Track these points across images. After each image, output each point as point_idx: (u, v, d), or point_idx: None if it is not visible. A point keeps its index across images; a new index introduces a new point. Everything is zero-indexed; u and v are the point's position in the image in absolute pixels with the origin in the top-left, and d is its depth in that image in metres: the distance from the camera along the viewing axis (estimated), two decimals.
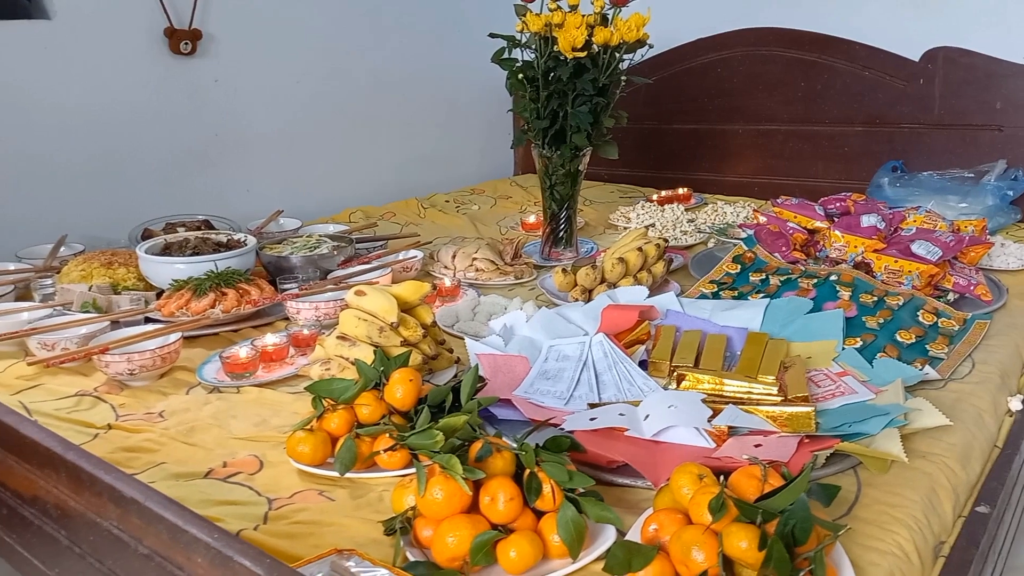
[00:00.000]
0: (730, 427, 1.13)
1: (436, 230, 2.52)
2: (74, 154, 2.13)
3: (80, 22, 2.07)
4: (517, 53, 2.02)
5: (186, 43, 2.25)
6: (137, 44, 2.20)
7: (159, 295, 1.70)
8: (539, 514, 0.90)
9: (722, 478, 0.87)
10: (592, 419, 1.14)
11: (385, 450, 1.02)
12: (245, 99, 2.48)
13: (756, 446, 1.07)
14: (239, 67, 2.44)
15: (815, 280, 1.68)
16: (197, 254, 1.75)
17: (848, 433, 1.11)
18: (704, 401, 1.16)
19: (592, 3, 1.94)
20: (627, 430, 1.12)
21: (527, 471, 0.90)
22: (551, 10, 1.91)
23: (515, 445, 0.95)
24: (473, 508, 0.89)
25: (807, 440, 1.09)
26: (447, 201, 2.87)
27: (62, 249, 1.95)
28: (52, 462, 0.98)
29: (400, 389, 1.10)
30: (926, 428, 1.15)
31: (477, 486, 0.89)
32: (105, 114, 2.17)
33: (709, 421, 1.12)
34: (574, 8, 1.92)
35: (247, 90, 2.48)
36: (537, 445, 0.96)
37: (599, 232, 2.50)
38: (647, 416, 1.14)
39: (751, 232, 1.94)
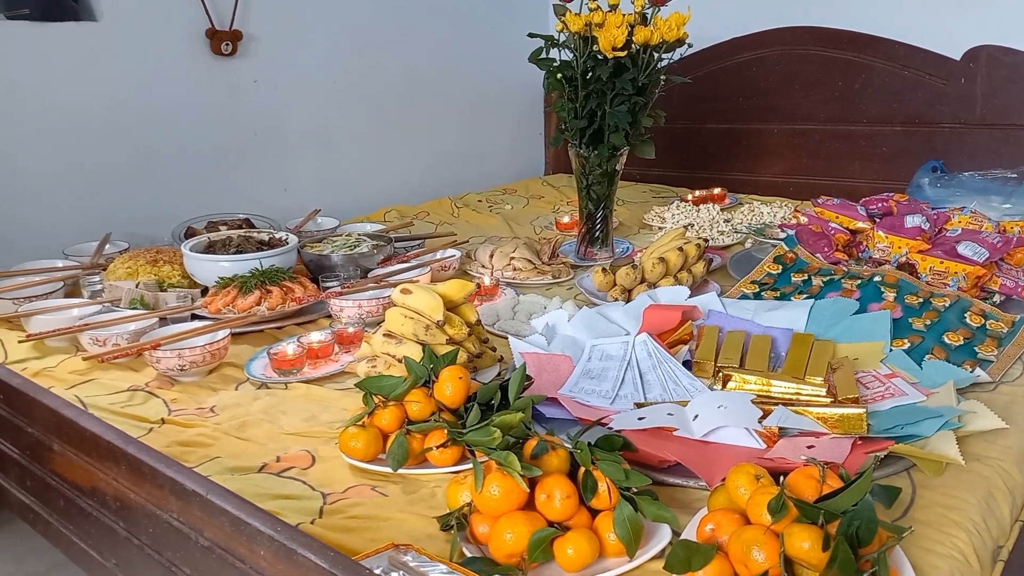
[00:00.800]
0: (780, 428, 1.13)
1: (470, 229, 2.52)
2: (117, 153, 2.17)
3: (125, 24, 2.11)
4: (555, 53, 2.02)
5: (227, 44, 2.28)
6: (179, 45, 2.23)
7: (204, 292, 1.73)
8: (594, 512, 0.90)
9: (781, 479, 0.86)
10: (640, 418, 1.14)
11: (438, 446, 1.02)
12: (283, 99, 2.50)
13: (809, 447, 1.06)
14: (278, 67, 2.46)
15: (859, 281, 1.66)
16: (240, 252, 1.77)
17: (901, 436, 1.10)
18: (753, 402, 1.16)
19: (632, 2, 1.93)
20: (676, 430, 1.12)
21: (582, 469, 0.90)
22: (591, 9, 1.90)
23: (569, 443, 0.95)
24: (529, 505, 0.89)
25: (860, 442, 1.08)
26: (480, 201, 2.88)
27: (107, 247, 1.98)
28: (113, 455, 1.00)
29: (450, 386, 1.11)
30: (981, 431, 1.14)
31: (532, 483, 0.89)
32: (148, 114, 2.20)
33: (760, 422, 1.12)
34: (614, 7, 1.92)
35: (285, 90, 2.50)
36: (590, 444, 0.96)
37: (634, 232, 2.49)
38: (696, 416, 1.14)
39: (791, 232, 1.93)
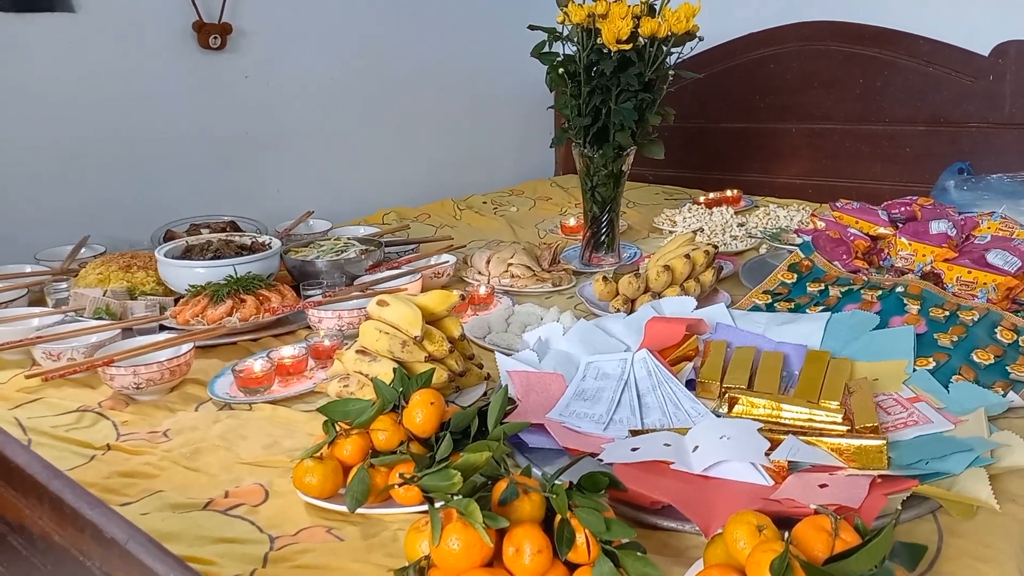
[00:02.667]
0: (790, 461, 1.01)
1: (472, 233, 2.41)
2: (100, 152, 2.07)
3: (105, 15, 2.01)
4: (558, 47, 1.91)
5: (215, 37, 2.18)
6: (164, 38, 2.13)
7: (178, 300, 1.62)
8: (571, 567, 0.78)
9: (786, 534, 0.74)
10: (634, 449, 1.03)
11: (401, 484, 0.91)
12: (276, 96, 2.40)
13: (822, 486, 0.94)
14: (270, 62, 2.36)
15: (879, 292, 1.53)
16: (219, 257, 1.67)
17: (926, 473, 0.97)
18: (760, 431, 1.04)
19: None
20: (673, 463, 1.00)
21: (558, 517, 0.79)
22: (595, 0, 1.79)
23: (545, 481, 0.83)
24: (496, 558, 0.78)
25: (880, 480, 0.96)
26: (484, 203, 2.76)
27: (83, 251, 1.89)
28: (36, 491, 0.89)
29: (420, 413, 0.99)
30: (1016, 467, 1.01)
31: (501, 533, 0.78)
32: (131, 111, 2.11)
33: (767, 455, 0.99)
34: None
35: (279, 86, 2.40)
36: (571, 484, 0.84)
37: (643, 236, 2.37)
38: (696, 447, 1.02)
39: (808, 238, 1.80)
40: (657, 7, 1.84)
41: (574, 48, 1.86)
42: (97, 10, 1.99)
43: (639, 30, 1.77)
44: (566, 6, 1.82)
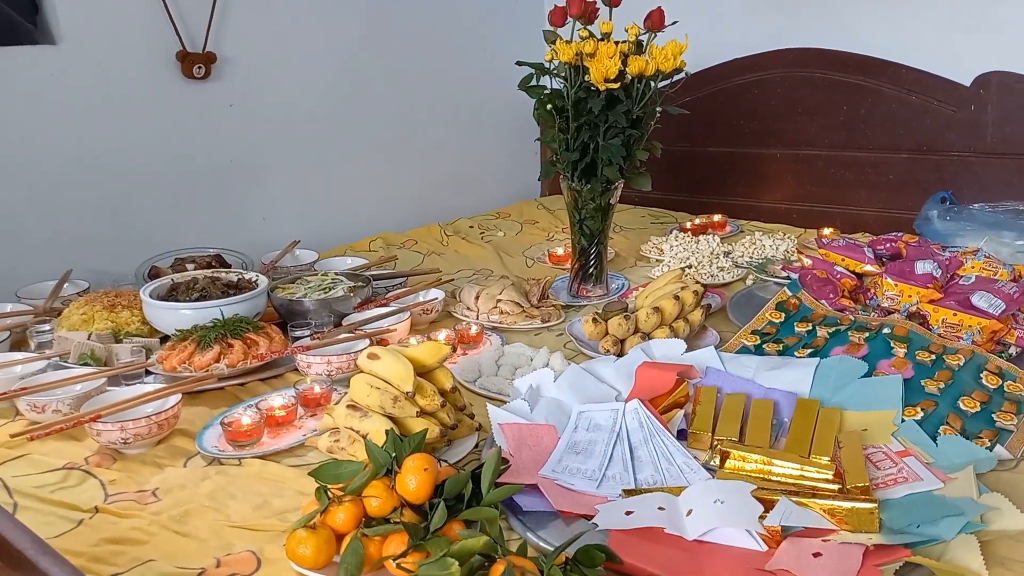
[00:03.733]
0: (783, 526, 1.01)
1: (459, 261, 2.40)
2: (83, 183, 2.04)
3: (88, 47, 1.98)
4: (546, 80, 1.90)
5: (199, 67, 2.16)
6: (148, 69, 2.11)
7: (164, 340, 1.61)
8: None
9: None
10: (628, 513, 1.03)
11: (395, 558, 0.90)
12: (261, 123, 2.38)
13: (815, 555, 0.94)
14: (255, 91, 2.34)
15: (866, 334, 1.55)
16: (204, 296, 1.65)
17: (917, 541, 0.98)
18: (753, 493, 1.04)
19: (626, 31, 1.81)
20: (666, 528, 1.00)
21: None
22: (582, 38, 1.79)
23: (543, 561, 0.83)
24: None
25: (872, 548, 0.96)
26: (471, 227, 2.76)
27: (66, 286, 1.86)
28: (23, 565, 0.88)
29: (414, 480, 0.99)
30: (1006, 531, 1.02)
31: None
32: (114, 142, 2.08)
33: (760, 519, 1.00)
34: (607, 36, 1.80)
35: (263, 114, 2.38)
36: (567, 560, 0.84)
37: (630, 264, 2.38)
38: (690, 511, 1.02)
39: (795, 276, 1.81)
40: (645, 43, 1.85)
41: (562, 83, 1.86)
42: (79, 42, 1.97)
43: (627, 68, 1.77)
44: (554, 43, 1.82)
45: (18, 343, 1.65)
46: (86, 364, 1.47)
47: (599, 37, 1.80)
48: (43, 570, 0.85)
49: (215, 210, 2.31)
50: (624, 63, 1.76)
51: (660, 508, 1.04)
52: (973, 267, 1.76)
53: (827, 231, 2.40)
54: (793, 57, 2.70)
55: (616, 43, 1.78)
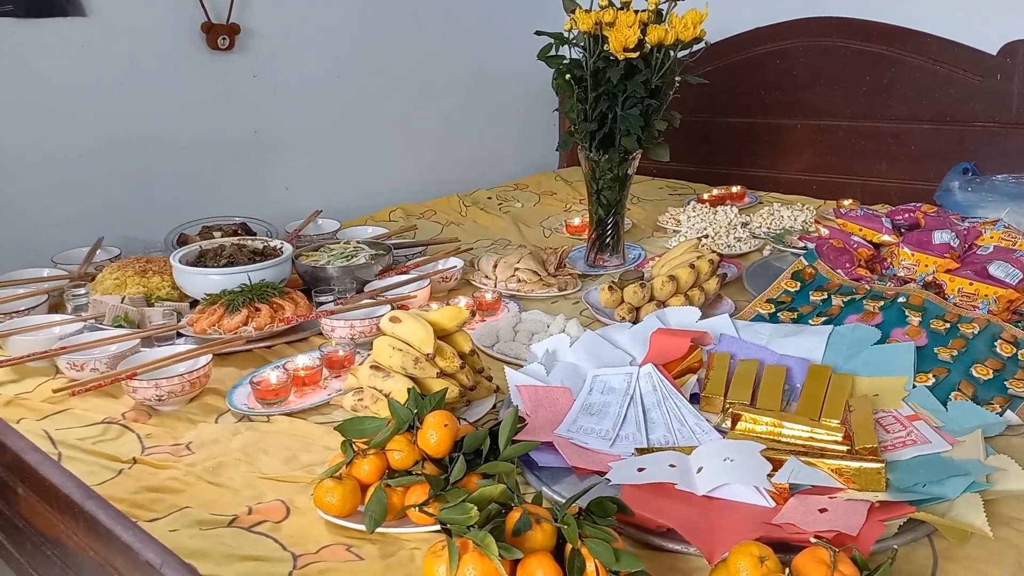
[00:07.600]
0: (791, 483, 1.04)
1: (477, 231, 2.44)
2: (111, 153, 2.10)
3: (116, 19, 2.03)
4: (564, 50, 1.92)
5: (224, 38, 2.20)
6: (174, 40, 2.15)
7: (193, 304, 1.66)
8: None
9: (787, 571, 0.78)
10: (640, 469, 1.06)
11: (419, 506, 0.95)
12: (284, 95, 2.42)
13: (821, 511, 0.97)
14: (278, 62, 2.38)
15: (881, 302, 1.56)
16: (232, 263, 1.70)
17: (922, 498, 1.01)
18: (762, 452, 1.07)
19: None
20: (677, 484, 1.04)
21: (569, 546, 0.83)
22: (602, 7, 1.80)
23: (557, 510, 0.87)
24: None
25: (878, 505, 0.99)
26: (489, 198, 2.79)
27: (99, 253, 1.92)
28: (71, 509, 0.94)
29: (435, 434, 1.03)
30: (1011, 491, 1.05)
31: (514, 561, 0.82)
32: (142, 112, 2.13)
33: (769, 477, 1.03)
34: (626, 5, 1.81)
35: (286, 86, 2.42)
36: (581, 510, 0.88)
37: (647, 235, 2.40)
38: (700, 469, 1.06)
39: (812, 246, 1.83)
40: (664, 12, 1.86)
41: (581, 53, 1.88)
42: (108, 14, 2.01)
43: (646, 38, 1.78)
44: (573, 12, 1.84)
45: (55, 306, 1.71)
46: (120, 326, 1.52)
47: (619, 6, 1.81)
48: (90, 513, 0.90)
49: (239, 179, 2.36)
50: (643, 32, 1.77)
51: (671, 466, 1.07)
52: (992, 237, 1.76)
53: (847, 202, 2.40)
54: (816, 26, 2.68)
55: (636, 12, 1.79)
